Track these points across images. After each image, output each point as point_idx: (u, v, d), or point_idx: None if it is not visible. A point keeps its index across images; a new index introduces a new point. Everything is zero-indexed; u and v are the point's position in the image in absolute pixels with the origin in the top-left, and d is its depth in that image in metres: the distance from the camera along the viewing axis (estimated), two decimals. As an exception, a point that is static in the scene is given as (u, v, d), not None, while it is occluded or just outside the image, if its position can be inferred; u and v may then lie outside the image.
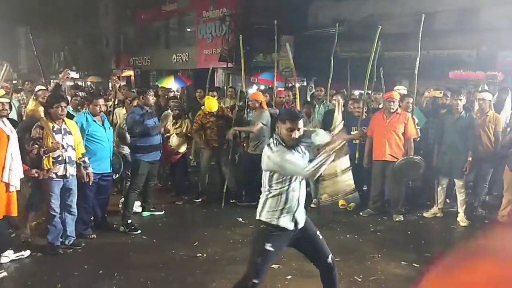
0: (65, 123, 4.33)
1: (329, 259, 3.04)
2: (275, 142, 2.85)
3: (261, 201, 2.93)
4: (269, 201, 2.88)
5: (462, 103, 5.37)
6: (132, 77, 21.61)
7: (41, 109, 4.30)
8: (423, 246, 4.70)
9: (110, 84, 10.23)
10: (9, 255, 4.03)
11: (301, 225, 2.94)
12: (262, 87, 12.51)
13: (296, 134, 2.82)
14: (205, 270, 4.02)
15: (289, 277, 3.90)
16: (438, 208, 5.58)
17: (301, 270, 4.03)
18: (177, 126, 6.13)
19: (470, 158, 5.26)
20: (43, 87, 5.95)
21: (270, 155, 2.80)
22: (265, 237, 2.88)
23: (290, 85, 11.81)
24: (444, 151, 5.42)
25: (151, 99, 5.20)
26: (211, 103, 6.02)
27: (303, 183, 2.93)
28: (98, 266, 4.03)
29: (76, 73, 15.18)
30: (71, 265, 4.12)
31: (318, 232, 3.06)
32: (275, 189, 2.85)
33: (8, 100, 3.94)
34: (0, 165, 3.74)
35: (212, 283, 3.76)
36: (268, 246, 2.84)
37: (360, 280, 3.86)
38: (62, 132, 4.25)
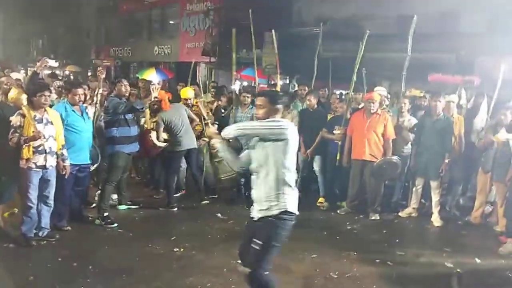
0: (47, 113, 4.22)
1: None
2: None
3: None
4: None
5: (441, 105, 5.48)
6: (112, 68, 21.21)
7: (24, 97, 4.17)
8: (397, 245, 4.79)
9: (89, 73, 10.00)
10: None
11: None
12: (245, 83, 12.50)
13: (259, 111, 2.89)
14: (182, 265, 4.00)
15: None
16: (413, 208, 5.69)
17: (278, 266, 4.04)
18: (154, 120, 6.03)
19: (447, 160, 5.37)
20: (19, 75, 5.78)
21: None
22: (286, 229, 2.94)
23: (272, 82, 11.84)
24: (421, 152, 5.52)
25: (124, 89, 5.10)
26: (187, 91, 6.05)
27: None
28: (72, 259, 3.96)
29: (55, 61, 14.69)
30: (44, 257, 4.04)
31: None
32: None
33: None
34: None
35: (189, 277, 3.75)
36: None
37: (335, 276, 3.92)
38: (44, 121, 4.16)
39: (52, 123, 4.23)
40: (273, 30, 6.96)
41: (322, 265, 4.13)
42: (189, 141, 5.68)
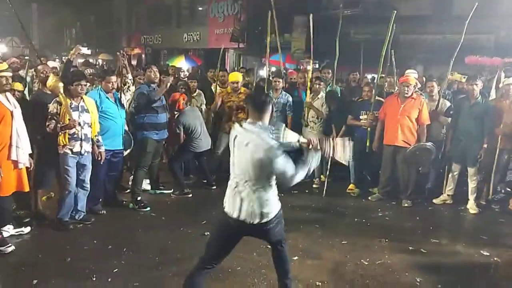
0: (83, 101, 4.34)
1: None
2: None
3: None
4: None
5: (478, 88, 5.24)
6: (143, 56, 21.53)
7: (61, 85, 4.31)
8: (431, 232, 4.68)
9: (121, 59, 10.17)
10: (9, 230, 4.08)
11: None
12: (274, 69, 12.39)
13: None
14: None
15: (295, 257, 3.91)
16: (448, 195, 5.53)
17: (308, 252, 4.05)
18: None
19: (485, 145, 5.15)
20: (55, 63, 5.94)
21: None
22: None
23: (301, 67, 11.66)
24: (458, 138, 5.33)
25: (153, 75, 5.15)
26: (236, 74, 6.06)
27: None
28: (107, 242, 4.09)
29: (88, 49, 15.08)
30: (81, 239, 4.18)
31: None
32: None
33: (11, 74, 3.90)
34: (6, 144, 3.75)
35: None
36: None
37: (366, 263, 3.87)
38: (80, 109, 4.28)
39: (87, 111, 4.35)
40: (310, 14, 6.80)
41: (353, 252, 4.08)
42: (206, 143, 5.77)
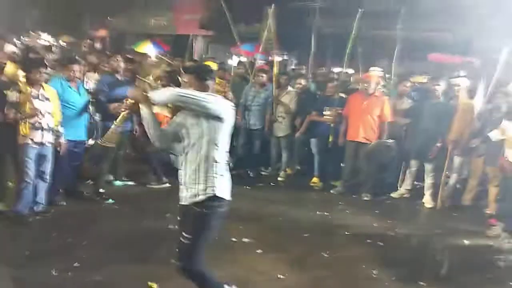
0: (43, 89, 4.18)
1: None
2: None
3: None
4: None
5: (441, 88, 5.44)
6: (108, 39, 20.82)
7: (20, 72, 4.13)
8: (388, 225, 4.88)
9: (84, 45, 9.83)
10: None
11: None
12: (244, 59, 12.34)
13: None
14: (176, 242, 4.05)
15: (259, 251, 3.99)
16: (406, 189, 5.76)
17: (271, 244, 4.14)
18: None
19: (438, 144, 5.36)
20: (13, 48, 5.68)
21: None
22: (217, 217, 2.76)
23: (270, 58, 11.68)
24: (417, 135, 5.50)
25: (120, 64, 5.03)
26: (211, 64, 5.83)
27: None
28: (67, 234, 4.00)
29: (48, 34, 14.42)
30: (40, 232, 4.08)
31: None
32: None
33: None
34: None
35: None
36: None
37: (326, 255, 4.00)
38: (40, 97, 4.12)
39: (48, 99, 4.20)
40: (272, 5, 6.79)
41: (314, 244, 4.21)
42: None
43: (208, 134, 2.56)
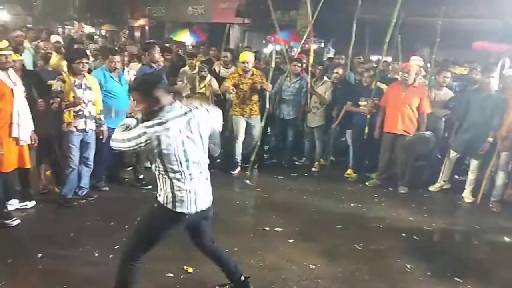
0: (86, 78, 4.38)
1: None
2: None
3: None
4: None
5: (494, 81, 5.17)
6: (147, 28, 21.27)
7: (64, 63, 4.33)
8: (425, 219, 4.79)
9: (124, 34, 10.13)
10: (14, 204, 4.20)
11: None
12: (279, 47, 12.30)
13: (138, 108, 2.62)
14: (211, 229, 4.13)
15: (291, 240, 4.04)
16: (443, 181, 5.57)
17: (304, 234, 4.17)
18: (202, 86, 5.94)
19: (490, 139, 5.06)
20: (57, 37, 5.94)
21: None
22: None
23: (306, 46, 11.53)
24: (466, 130, 5.25)
25: (157, 55, 5.14)
26: (246, 54, 5.85)
27: None
28: (109, 218, 4.21)
29: (92, 27, 14.92)
30: (84, 215, 4.31)
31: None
32: None
33: (11, 53, 3.89)
34: (7, 121, 3.81)
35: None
36: None
37: (360, 248, 3.99)
38: (83, 87, 4.33)
39: (90, 89, 4.39)
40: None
41: (347, 236, 4.21)
42: None
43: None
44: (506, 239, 4.41)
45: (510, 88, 5.16)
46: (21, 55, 4.19)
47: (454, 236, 4.47)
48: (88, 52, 5.87)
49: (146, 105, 2.54)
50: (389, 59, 7.92)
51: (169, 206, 2.60)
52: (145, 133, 2.45)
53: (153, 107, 2.51)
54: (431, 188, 5.63)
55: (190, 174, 2.59)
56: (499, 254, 4.12)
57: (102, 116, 4.55)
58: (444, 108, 5.63)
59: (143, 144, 2.47)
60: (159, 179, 2.64)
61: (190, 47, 10.40)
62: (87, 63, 4.37)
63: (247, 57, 5.75)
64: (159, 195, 2.66)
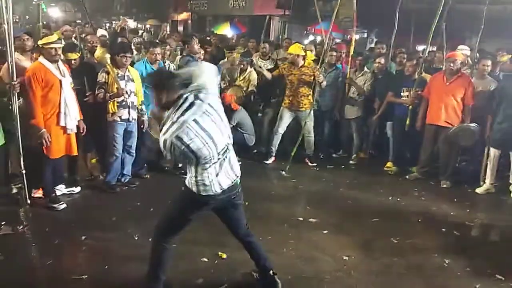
0: (129, 71, 4.58)
1: None
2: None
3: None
4: None
5: None
6: (189, 22, 21.65)
7: (108, 56, 4.54)
8: (467, 214, 4.61)
9: (166, 28, 10.40)
10: (62, 189, 4.46)
11: None
12: (319, 38, 12.14)
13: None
14: (247, 218, 4.19)
15: (325, 231, 4.02)
16: (490, 184, 5.19)
17: (337, 226, 4.14)
18: (241, 78, 6.00)
19: None
20: (103, 31, 6.19)
21: None
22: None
23: (349, 37, 11.28)
24: (501, 121, 4.97)
25: (196, 47, 5.25)
26: (294, 47, 5.77)
27: None
28: (150, 204, 4.36)
29: (134, 21, 15.47)
30: (126, 201, 4.51)
31: None
32: None
33: (61, 45, 4.11)
34: (55, 110, 4.03)
35: (252, 230, 3.96)
36: None
37: (396, 242, 3.91)
38: (126, 79, 4.52)
39: (133, 80, 4.58)
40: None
41: (383, 230, 4.13)
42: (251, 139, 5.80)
43: None
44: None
45: None
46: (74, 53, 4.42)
47: (496, 233, 4.27)
48: (131, 45, 6.11)
49: (165, 101, 2.56)
50: (435, 49, 7.60)
51: (194, 189, 2.67)
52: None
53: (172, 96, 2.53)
54: (478, 190, 5.24)
55: (212, 157, 2.57)
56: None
57: (143, 107, 4.73)
58: (488, 99, 5.27)
59: None
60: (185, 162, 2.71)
61: (233, 40, 10.51)
62: (130, 57, 4.55)
63: (294, 49, 5.70)
64: (186, 178, 2.74)
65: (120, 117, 4.52)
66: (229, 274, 3.22)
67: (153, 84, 2.62)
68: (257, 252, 3.06)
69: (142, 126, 4.76)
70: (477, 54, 6.15)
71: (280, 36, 14.08)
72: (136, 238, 3.71)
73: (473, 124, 5.05)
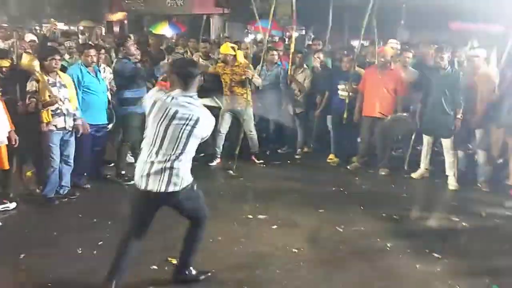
0: (59, 76, 4.34)
1: None
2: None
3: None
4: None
5: (446, 58, 5.13)
6: (125, 22, 20.96)
7: (36, 62, 4.29)
8: (405, 199, 4.90)
9: (101, 29, 9.98)
10: None
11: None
12: (260, 36, 12.27)
13: None
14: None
15: (274, 226, 4.10)
16: (425, 169, 5.52)
17: (286, 220, 4.24)
18: None
19: (459, 116, 5.08)
20: (32, 36, 5.84)
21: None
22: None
23: (288, 34, 11.49)
24: (428, 110, 5.26)
25: (133, 48, 5.11)
26: (226, 46, 5.77)
27: None
28: (92, 215, 4.21)
29: (65, 23, 14.72)
30: (66, 214, 4.31)
31: None
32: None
33: None
34: None
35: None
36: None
37: (341, 230, 4.08)
38: (58, 85, 4.30)
39: (65, 86, 4.36)
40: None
41: (329, 219, 4.28)
42: None
43: None
44: (483, 214, 4.54)
45: (476, 68, 5.19)
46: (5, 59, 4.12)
47: (432, 215, 4.57)
48: (63, 49, 5.82)
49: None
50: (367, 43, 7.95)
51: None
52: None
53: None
54: (413, 175, 5.53)
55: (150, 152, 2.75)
56: (477, 230, 4.22)
57: (77, 112, 4.50)
58: (412, 88, 5.55)
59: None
60: None
61: (172, 40, 10.31)
62: (59, 59, 4.32)
63: (226, 49, 5.71)
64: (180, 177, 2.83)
65: (55, 126, 4.29)
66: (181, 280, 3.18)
67: (177, 70, 2.77)
68: (188, 249, 3.10)
69: (82, 131, 4.54)
70: (399, 47, 6.47)
71: (221, 35, 14.05)
72: (80, 252, 3.56)
73: (405, 114, 5.37)
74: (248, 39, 11.66)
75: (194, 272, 3.14)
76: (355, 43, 9.23)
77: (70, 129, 4.43)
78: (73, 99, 4.46)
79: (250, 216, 4.30)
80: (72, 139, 4.51)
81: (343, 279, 3.28)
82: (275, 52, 6.09)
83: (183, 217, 3.08)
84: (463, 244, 3.95)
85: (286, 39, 10.40)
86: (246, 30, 14.62)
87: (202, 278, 3.16)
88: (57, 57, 4.27)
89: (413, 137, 5.63)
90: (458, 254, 3.70)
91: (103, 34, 9.20)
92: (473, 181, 5.31)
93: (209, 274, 3.20)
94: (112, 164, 5.45)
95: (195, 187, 2.91)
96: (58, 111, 4.28)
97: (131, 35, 5.86)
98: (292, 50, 6.17)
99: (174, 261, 3.39)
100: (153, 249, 3.52)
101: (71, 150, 4.53)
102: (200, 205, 3.04)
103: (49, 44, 5.30)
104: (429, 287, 3.22)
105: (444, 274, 3.37)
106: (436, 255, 3.64)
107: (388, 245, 3.81)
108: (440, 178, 5.44)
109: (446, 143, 5.24)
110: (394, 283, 3.26)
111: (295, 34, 6.92)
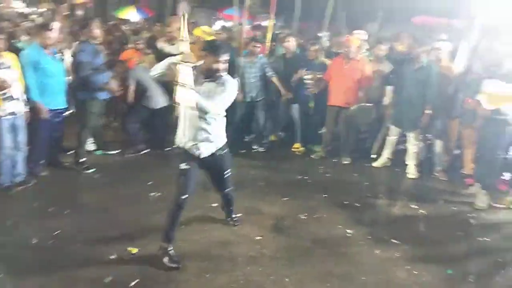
0: (3, 56, 4.09)
1: (225, 191, 3.72)
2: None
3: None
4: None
5: (422, 52, 5.14)
6: (90, 5, 20.13)
7: None
8: (367, 187, 5.01)
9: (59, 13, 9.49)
10: None
11: (204, 154, 3.27)
12: (230, 23, 12.11)
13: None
14: (159, 208, 4.02)
15: (239, 214, 4.08)
16: (388, 158, 5.62)
17: (250, 208, 4.24)
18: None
19: (428, 111, 5.11)
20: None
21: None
22: (180, 159, 3.34)
23: (256, 23, 11.42)
24: (399, 102, 5.30)
25: (98, 31, 4.91)
26: (199, 30, 5.80)
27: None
28: (48, 203, 4.05)
29: (24, 2, 13.94)
30: (21, 202, 4.13)
31: (226, 172, 3.59)
32: None
33: None
34: None
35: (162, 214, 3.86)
36: (183, 165, 3.28)
37: (304, 217, 4.12)
38: (2, 66, 4.04)
39: (10, 67, 4.11)
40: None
41: (292, 208, 4.32)
42: (162, 100, 5.59)
43: None
44: (442, 202, 4.70)
45: (438, 61, 5.31)
46: None
47: (392, 202, 4.69)
48: (21, 30, 5.53)
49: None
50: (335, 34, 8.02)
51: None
52: None
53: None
54: (375, 164, 5.65)
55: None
56: (434, 217, 4.36)
57: (29, 94, 4.29)
58: (384, 82, 5.65)
59: None
60: None
61: (138, 25, 10.01)
62: (1, 38, 4.06)
63: (198, 32, 5.66)
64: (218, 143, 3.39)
65: (4, 111, 4.06)
66: (140, 269, 3.12)
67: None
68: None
69: (27, 120, 4.31)
70: (366, 37, 6.53)
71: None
72: (35, 241, 3.41)
73: (369, 104, 5.46)
74: (217, 26, 11.50)
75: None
76: (321, 33, 9.32)
77: (20, 113, 4.20)
78: (20, 80, 4.21)
79: (215, 205, 4.25)
80: (23, 124, 4.28)
81: (304, 265, 3.32)
82: (258, 44, 5.84)
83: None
84: (421, 231, 4.07)
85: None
86: (214, 17, 14.43)
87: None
88: (1, 36, 4.02)
89: (381, 127, 5.73)
90: (416, 241, 3.81)
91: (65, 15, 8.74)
92: (431, 170, 5.48)
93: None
94: (72, 152, 5.25)
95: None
96: (7, 95, 4.04)
97: (94, 18, 5.60)
98: (268, 38, 6.12)
99: (134, 251, 3.33)
100: (112, 239, 3.44)
101: (22, 135, 4.31)
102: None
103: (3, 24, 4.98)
104: (388, 272, 3.30)
105: (402, 260, 3.47)
106: (395, 241, 3.74)
107: (349, 231, 3.88)
108: (400, 167, 5.56)
109: (412, 135, 5.35)
110: (355, 269, 3.32)
111: (266, 23, 6.87)
